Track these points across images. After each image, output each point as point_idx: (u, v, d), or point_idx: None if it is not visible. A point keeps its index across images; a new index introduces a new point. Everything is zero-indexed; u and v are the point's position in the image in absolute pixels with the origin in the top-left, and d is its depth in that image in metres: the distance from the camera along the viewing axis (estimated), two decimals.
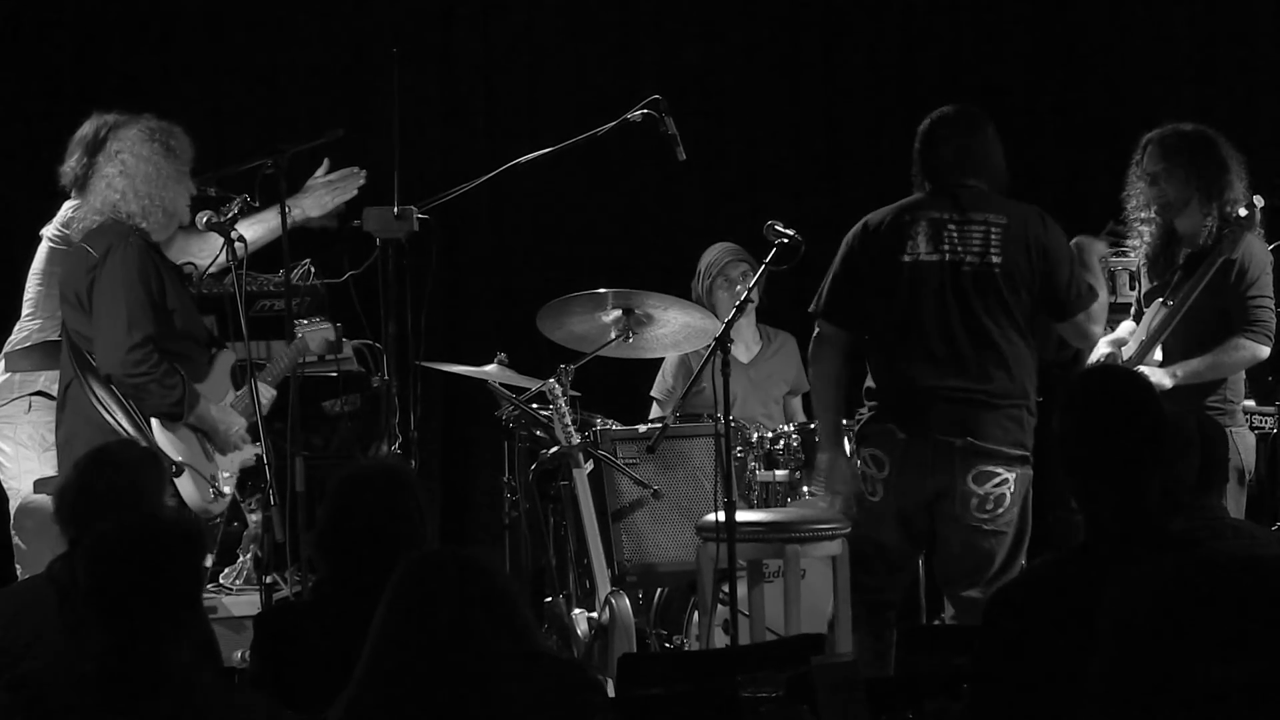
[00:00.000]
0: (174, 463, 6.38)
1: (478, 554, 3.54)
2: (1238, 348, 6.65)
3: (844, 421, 6.70)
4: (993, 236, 6.32)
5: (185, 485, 6.44)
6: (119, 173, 6.55)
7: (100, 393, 6.42)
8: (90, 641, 3.83)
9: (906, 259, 6.30)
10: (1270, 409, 7.62)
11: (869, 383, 6.46)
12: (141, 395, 6.43)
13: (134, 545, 3.81)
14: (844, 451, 6.58)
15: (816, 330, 6.52)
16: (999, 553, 6.30)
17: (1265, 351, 6.69)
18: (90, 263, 6.46)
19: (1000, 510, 6.27)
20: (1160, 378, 6.51)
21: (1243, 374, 6.88)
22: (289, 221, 6.83)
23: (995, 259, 6.30)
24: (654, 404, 8.26)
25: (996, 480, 6.25)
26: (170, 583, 3.77)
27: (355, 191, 7.30)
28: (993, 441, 6.24)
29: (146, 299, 6.43)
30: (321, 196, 7.24)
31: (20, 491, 6.78)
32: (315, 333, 7.05)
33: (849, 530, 6.42)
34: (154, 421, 6.46)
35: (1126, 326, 7.07)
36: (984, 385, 6.28)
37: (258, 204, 6.75)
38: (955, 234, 6.29)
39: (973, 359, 6.28)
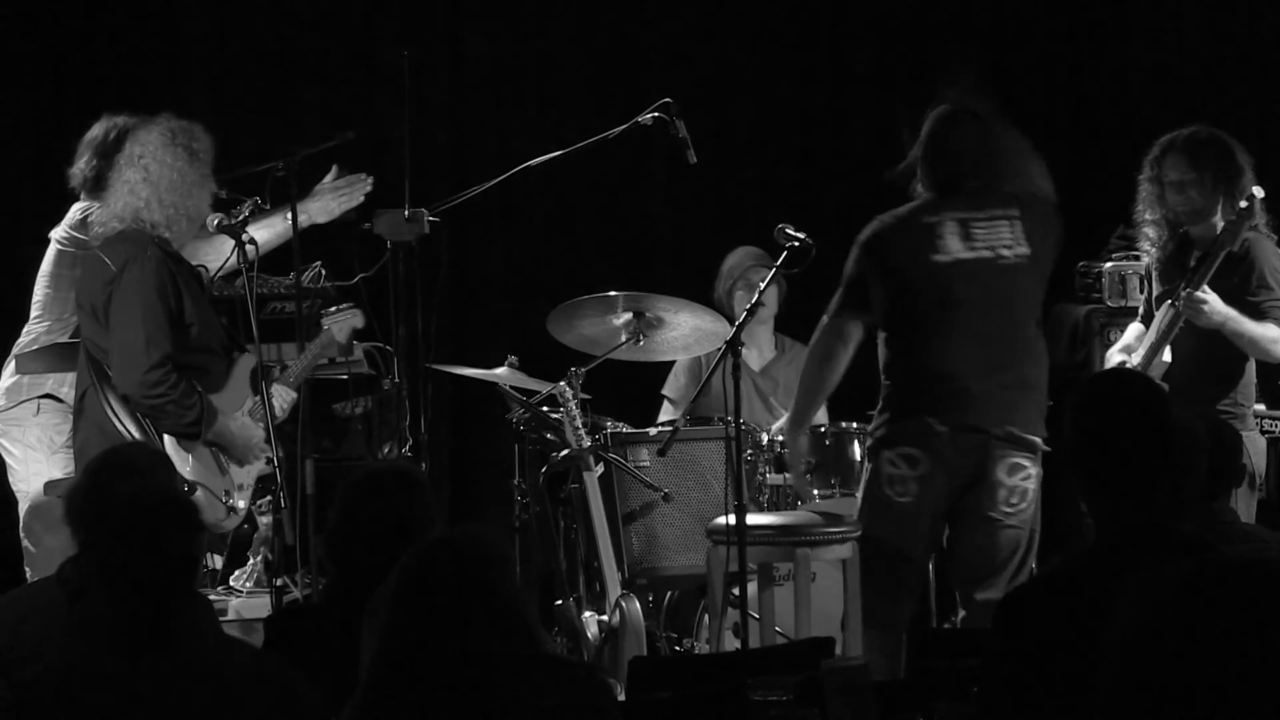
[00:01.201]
0: (186, 481, 6.31)
1: (477, 549, 3.52)
2: (1269, 328, 6.62)
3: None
4: (1016, 227, 6.37)
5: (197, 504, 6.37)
6: (142, 179, 6.41)
7: (115, 403, 6.36)
8: (98, 618, 3.87)
9: (941, 259, 6.31)
10: None
11: (888, 383, 6.44)
12: (158, 416, 6.33)
13: (132, 516, 3.85)
14: (805, 433, 6.74)
15: (829, 324, 6.49)
16: (1018, 549, 6.32)
17: None
18: (107, 275, 6.36)
19: (1023, 505, 6.32)
20: (1216, 307, 6.52)
21: (1254, 378, 6.87)
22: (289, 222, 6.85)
23: (1025, 249, 6.36)
24: (664, 401, 8.26)
25: (1024, 474, 6.30)
26: (167, 551, 3.81)
27: (362, 198, 7.27)
28: (1029, 431, 6.30)
29: (164, 315, 6.33)
30: (328, 202, 7.21)
31: (29, 494, 6.78)
32: (343, 321, 6.97)
33: (860, 533, 6.42)
34: (166, 438, 6.39)
35: (1134, 329, 7.07)
36: (1019, 376, 6.33)
37: (268, 206, 6.75)
38: (985, 229, 6.32)
39: (1007, 350, 6.33)
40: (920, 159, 6.48)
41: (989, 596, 6.24)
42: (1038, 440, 6.34)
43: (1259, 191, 6.62)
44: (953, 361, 6.28)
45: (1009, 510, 6.30)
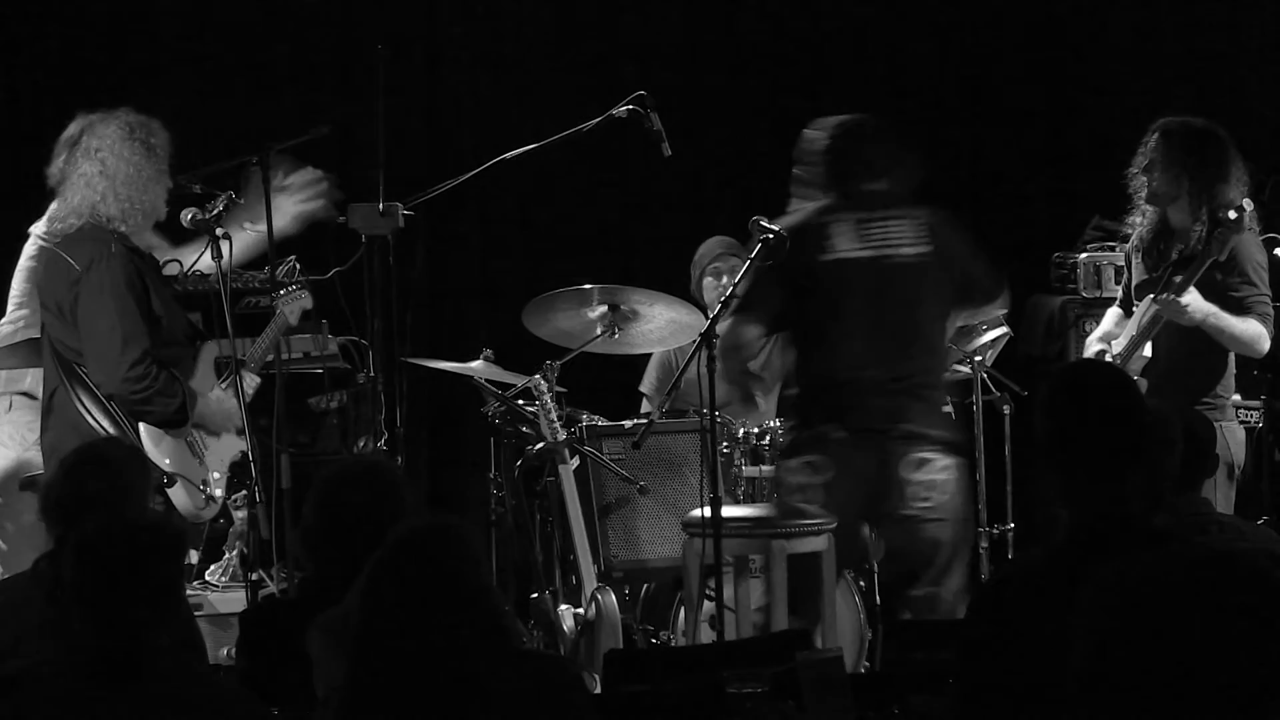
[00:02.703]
0: (165, 474, 6.30)
1: (447, 542, 3.52)
2: (1250, 325, 6.63)
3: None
4: (918, 226, 6.46)
5: (178, 494, 6.33)
6: (99, 172, 6.41)
7: (86, 400, 6.34)
8: (74, 633, 3.87)
9: (829, 259, 6.39)
10: (1255, 403, 7.64)
11: (791, 390, 6.51)
12: (144, 409, 6.32)
13: (116, 544, 3.84)
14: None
15: (729, 324, 6.55)
16: (943, 541, 6.37)
17: (1266, 344, 6.69)
18: (72, 275, 6.33)
19: (941, 498, 6.39)
20: (1197, 307, 6.52)
21: (1233, 370, 6.87)
22: (248, 232, 6.88)
23: (925, 247, 6.44)
24: (644, 399, 8.26)
25: (932, 467, 6.35)
26: (150, 580, 3.81)
27: (323, 200, 7.20)
28: (928, 428, 6.37)
29: (137, 310, 6.32)
30: (284, 205, 7.15)
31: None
32: (294, 303, 6.92)
33: (835, 525, 6.43)
34: (143, 431, 6.35)
35: (1113, 315, 7.07)
36: (914, 375, 6.42)
37: (242, 201, 6.73)
38: (879, 229, 6.38)
39: (901, 350, 6.41)
40: (823, 162, 6.57)
41: (925, 592, 6.31)
42: (941, 435, 6.41)
43: (1248, 205, 6.61)
44: (843, 363, 6.37)
45: (924, 505, 6.36)
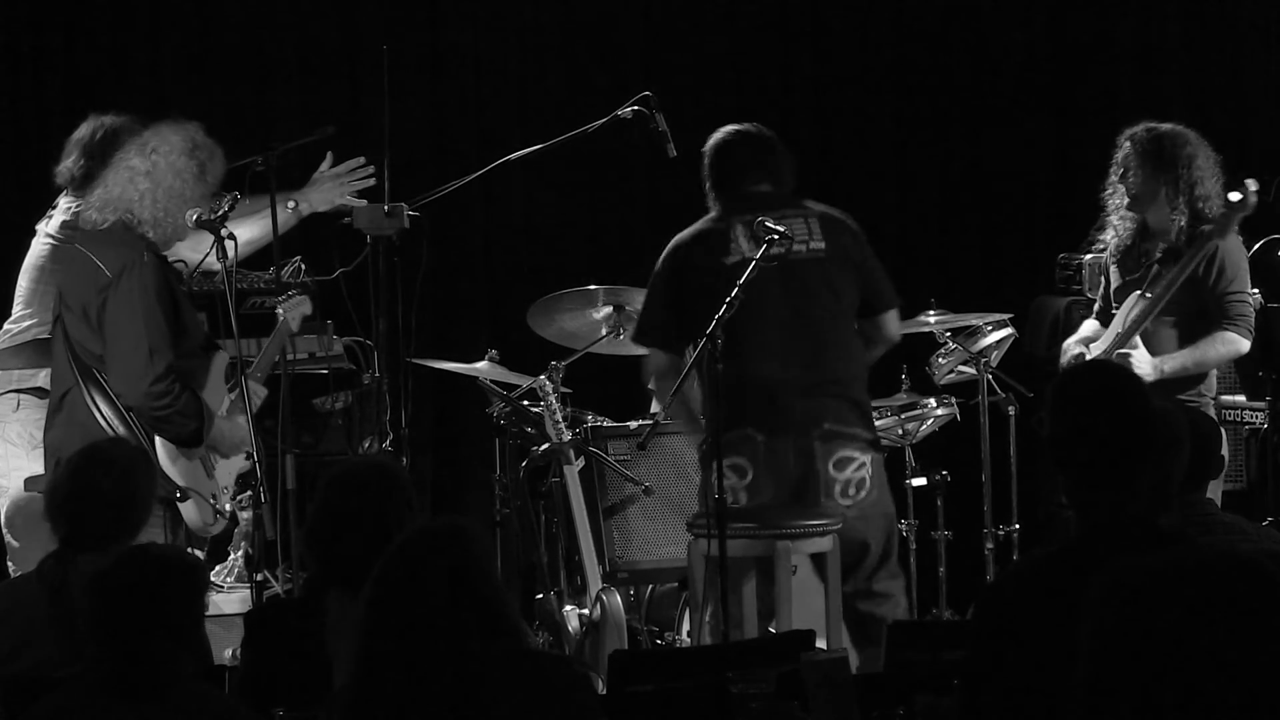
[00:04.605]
0: (179, 488, 6.24)
1: (458, 541, 3.53)
2: (1222, 342, 6.69)
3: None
4: (813, 224, 6.49)
5: (188, 510, 6.26)
6: (146, 172, 6.28)
7: (102, 404, 6.24)
8: (88, 655, 3.91)
9: (731, 260, 6.39)
10: (1260, 404, 7.64)
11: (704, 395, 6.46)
12: (163, 426, 6.23)
13: (135, 581, 3.89)
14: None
15: (645, 356, 6.64)
16: (871, 539, 6.43)
17: (1246, 345, 6.73)
18: (101, 280, 6.21)
19: (862, 494, 6.41)
20: (1146, 369, 6.55)
21: (1215, 370, 6.90)
22: (297, 216, 6.92)
23: (820, 244, 6.47)
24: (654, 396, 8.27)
25: (855, 465, 6.40)
26: (167, 614, 3.87)
27: (371, 182, 7.21)
28: (847, 426, 6.39)
29: (165, 323, 6.20)
30: (329, 191, 7.17)
31: (10, 490, 6.74)
32: (294, 309, 6.89)
33: (840, 526, 6.43)
34: (159, 446, 6.29)
35: (1090, 326, 7.09)
36: (828, 375, 6.42)
37: (248, 201, 6.71)
38: (774, 227, 6.37)
39: (813, 349, 6.43)
40: (705, 179, 6.62)
41: (855, 589, 6.34)
42: (862, 434, 6.44)
43: (1252, 184, 6.63)
44: (757, 364, 6.36)
45: (849, 503, 6.40)
